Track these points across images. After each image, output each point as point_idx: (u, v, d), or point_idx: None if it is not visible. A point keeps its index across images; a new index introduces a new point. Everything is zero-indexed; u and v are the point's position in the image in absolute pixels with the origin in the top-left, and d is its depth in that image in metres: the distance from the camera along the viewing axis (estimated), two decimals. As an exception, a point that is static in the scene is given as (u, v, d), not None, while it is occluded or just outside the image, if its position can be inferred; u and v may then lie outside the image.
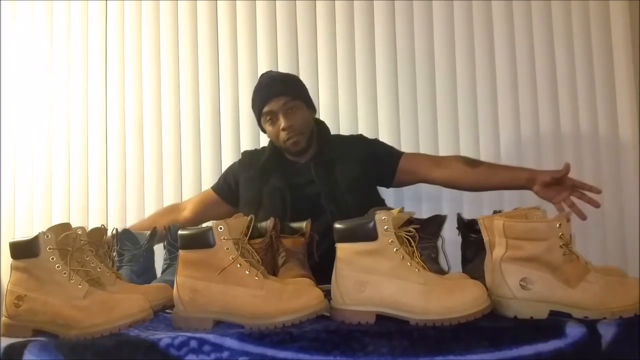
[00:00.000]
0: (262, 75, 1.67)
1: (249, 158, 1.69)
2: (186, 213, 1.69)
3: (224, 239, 0.91)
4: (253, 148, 1.81)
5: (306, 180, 1.57)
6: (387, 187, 1.68)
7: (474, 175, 1.52)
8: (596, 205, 1.35)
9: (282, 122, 1.53)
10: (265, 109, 1.56)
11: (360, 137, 1.72)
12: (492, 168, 1.55)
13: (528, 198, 1.45)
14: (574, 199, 1.36)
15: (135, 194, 2.00)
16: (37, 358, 0.84)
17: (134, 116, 2.03)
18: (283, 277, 1.10)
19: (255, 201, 1.57)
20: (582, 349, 0.81)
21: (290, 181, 1.57)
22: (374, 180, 1.64)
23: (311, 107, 1.65)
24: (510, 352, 0.81)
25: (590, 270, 0.88)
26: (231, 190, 1.68)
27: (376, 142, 1.71)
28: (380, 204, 1.62)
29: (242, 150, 1.87)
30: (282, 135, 1.55)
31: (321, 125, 1.69)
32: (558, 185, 1.37)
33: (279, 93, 1.55)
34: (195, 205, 1.71)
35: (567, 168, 1.34)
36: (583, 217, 1.34)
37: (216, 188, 1.72)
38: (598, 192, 1.36)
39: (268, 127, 1.59)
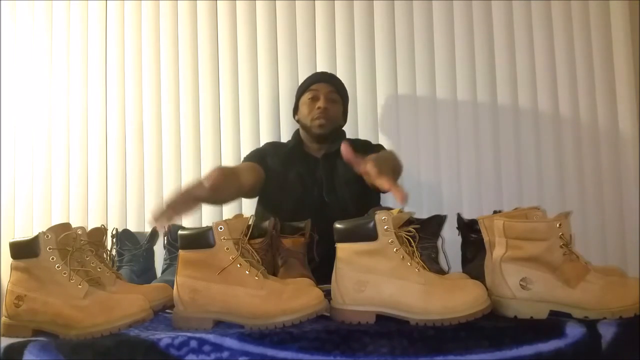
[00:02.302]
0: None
1: (273, 147, 1.75)
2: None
3: (224, 239, 0.91)
4: (253, 148, 1.80)
5: (318, 176, 1.64)
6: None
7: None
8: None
9: (321, 102, 1.66)
10: (313, 87, 1.70)
11: (366, 142, 1.78)
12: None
13: (528, 198, 1.44)
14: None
15: (135, 194, 2.00)
16: (37, 358, 0.84)
17: (134, 116, 2.03)
18: (283, 277, 1.10)
19: (271, 189, 1.62)
20: (582, 349, 0.81)
21: (304, 174, 1.64)
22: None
23: (345, 114, 1.76)
24: (510, 352, 0.81)
25: (590, 270, 0.88)
26: (264, 161, 1.66)
27: (378, 147, 1.73)
28: (378, 204, 1.64)
29: (241, 151, 1.87)
30: (315, 113, 1.65)
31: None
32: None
33: (329, 81, 1.73)
34: (249, 172, 1.58)
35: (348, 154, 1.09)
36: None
37: (249, 159, 1.69)
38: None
39: (305, 104, 1.69)
